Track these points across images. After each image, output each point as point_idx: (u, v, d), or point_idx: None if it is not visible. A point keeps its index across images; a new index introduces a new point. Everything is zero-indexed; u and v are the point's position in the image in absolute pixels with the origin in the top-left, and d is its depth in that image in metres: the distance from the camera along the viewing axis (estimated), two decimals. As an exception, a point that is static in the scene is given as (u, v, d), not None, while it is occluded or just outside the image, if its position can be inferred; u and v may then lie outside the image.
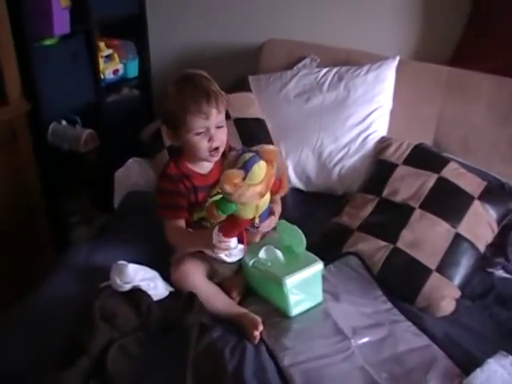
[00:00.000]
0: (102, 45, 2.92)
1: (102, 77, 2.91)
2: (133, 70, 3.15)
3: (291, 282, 1.65)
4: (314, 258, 1.74)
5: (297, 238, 1.75)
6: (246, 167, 1.51)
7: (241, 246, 1.67)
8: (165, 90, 1.81)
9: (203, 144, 1.79)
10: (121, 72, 3.05)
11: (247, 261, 1.77)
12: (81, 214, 3.10)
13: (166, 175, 1.85)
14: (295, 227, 1.76)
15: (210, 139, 1.78)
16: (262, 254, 1.76)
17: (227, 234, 1.61)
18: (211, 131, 1.77)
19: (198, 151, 1.81)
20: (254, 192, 1.52)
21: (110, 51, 2.96)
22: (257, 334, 1.61)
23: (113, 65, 2.99)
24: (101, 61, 2.89)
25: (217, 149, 1.81)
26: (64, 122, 2.82)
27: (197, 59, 3.18)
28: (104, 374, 1.47)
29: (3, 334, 1.67)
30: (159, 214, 1.83)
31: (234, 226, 1.61)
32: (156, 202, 1.85)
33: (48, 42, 2.60)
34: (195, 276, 1.77)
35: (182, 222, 1.83)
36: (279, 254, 1.75)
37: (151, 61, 3.26)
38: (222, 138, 1.82)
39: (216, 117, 1.77)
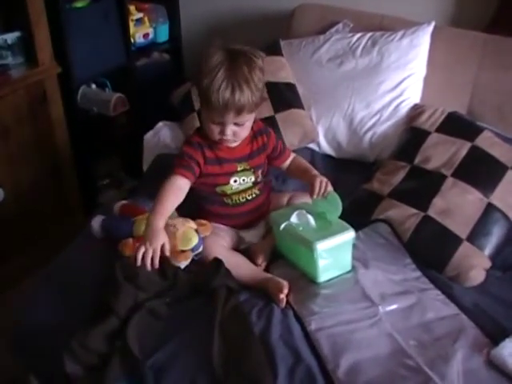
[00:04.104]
0: (132, 8, 2.92)
1: (132, 41, 2.91)
2: (163, 35, 3.14)
3: (322, 247, 1.65)
4: (347, 226, 1.73)
5: (333, 204, 1.75)
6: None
7: None
8: (204, 54, 1.69)
9: (215, 132, 1.74)
10: (151, 36, 3.05)
11: (278, 224, 1.76)
12: (110, 178, 3.12)
13: (188, 141, 1.82)
14: (335, 194, 1.76)
15: (222, 133, 1.73)
16: (293, 218, 1.76)
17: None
18: (225, 127, 1.71)
19: (209, 133, 1.77)
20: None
21: (140, 15, 2.95)
22: (282, 296, 1.61)
23: (143, 29, 2.99)
24: (131, 24, 2.89)
25: (228, 140, 1.78)
26: (94, 86, 2.84)
27: (228, 24, 3.17)
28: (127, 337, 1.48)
29: (33, 293, 1.70)
30: (172, 171, 1.76)
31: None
32: (174, 163, 1.79)
33: (79, 5, 2.62)
34: (217, 248, 1.76)
35: (183, 181, 1.74)
36: (311, 219, 1.75)
37: (182, 25, 3.24)
38: (239, 133, 1.76)
39: (233, 118, 1.69)
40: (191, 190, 1.79)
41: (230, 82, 1.62)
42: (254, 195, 1.88)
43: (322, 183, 1.77)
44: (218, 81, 1.62)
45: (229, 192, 1.83)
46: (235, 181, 1.83)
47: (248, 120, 1.74)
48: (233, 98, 1.63)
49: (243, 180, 1.84)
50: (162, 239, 1.60)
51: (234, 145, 1.82)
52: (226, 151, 1.82)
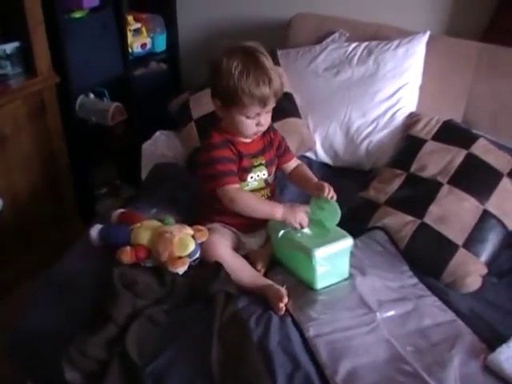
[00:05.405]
0: (130, 18, 2.93)
1: (130, 50, 2.93)
2: (161, 44, 3.16)
3: (320, 254, 1.66)
4: (345, 233, 1.74)
5: (332, 212, 1.76)
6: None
7: None
8: (219, 62, 1.73)
9: (251, 127, 1.80)
10: (149, 46, 3.07)
11: (277, 231, 1.78)
12: (107, 186, 3.13)
13: (212, 145, 1.83)
14: (334, 202, 1.77)
15: (259, 124, 1.79)
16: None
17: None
18: (261, 116, 1.78)
19: (244, 131, 1.81)
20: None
21: (138, 25, 2.97)
22: (282, 305, 1.62)
23: (141, 39, 3.00)
24: (129, 34, 2.90)
25: (263, 129, 1.84)
26: (92, 95, 2.85)
27: (225, 34, 3.18)
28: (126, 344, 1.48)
29: (32, 300, 1.71)
30: (214, 185, 1.78)
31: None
32: (207, 173, 1.81)
33: (77, 15, 2.63)
34: (221, 247, 1.78)
35: (235, 186, 1.79)
36: (310, 226, 1.76)
37: (179, 35, 3.26)
38: (268, 121, 1.83)
39: (271, 104, 1.77)
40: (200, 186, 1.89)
41: (263, 77, 1.71)
42: (265, 196, 1.91)
43: (331, 187, 1.80)
44: (253, 80, 1.70)
45: (244, 189, 1.85)
46: (251, 177, 1.87)
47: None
48: (270, 89, 1.72)
49: (257, 176, 1.88)
50: (297, 209, 1.77)
51: (249, 140, 1.87)
52: (244, 147, 1.85)
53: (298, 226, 1.74)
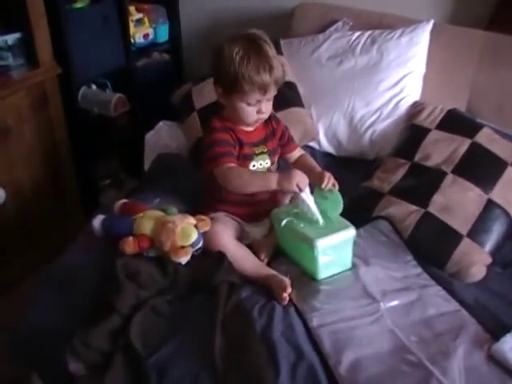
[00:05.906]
0: (132, 9, 2.93)
1: (132, 41, 2.92)
2: (163, 35, 3.15)
3: (322, 244, 1.65)
4: (347, 223, 1.73)
5: (334, 202, 1.75)
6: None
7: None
8: (221, 48, 1.74)
9: (252, 114, 1.80)
10: (151, 36, 3.06)
11: (280, 221, 1.77)
12: (111, 178, 3.13)
13: (214, 128, 1.84)
14: (336, 192, 1.77)
15: (259, 111, 1.80)
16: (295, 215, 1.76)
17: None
18: (262, 104, 1.78)
19: (245, 118, 1.81)
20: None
21: (140, 15, 2.96)
22: (285, 295, 1.61)
23: (143, 29, 2.99)
24: (131, 25, 2.90)
25: (264, 117, 1.84)
26: (94, 86, 2.84)
27: (227, 23, 3.17)
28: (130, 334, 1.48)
29: (33, 297, 1.71)
30: (212, 166, 1.78)
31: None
32: (207, 156, 1.81)
33: (79, 5, 2.62)
34: (224, 236, 1.78)
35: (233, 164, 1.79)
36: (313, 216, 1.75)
37: (181, 25, 3.25)
38: (269, 109, 1.84)
39: (272, 92, 1.78)
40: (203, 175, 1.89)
41: (263, 64, 1.72)
42: None
43: (331, 177, 1.79)
44: (253, 67, 1.71)
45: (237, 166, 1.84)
46: (254, 165, 1.86)
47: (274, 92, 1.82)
48: (271, 76, 1.73)
49: (260, 164, 1.88)
50: (293, 172, 1.72)
51: (251, 128, 1.87)
52: (244, 134, 1.86)
53: (296, 189, 1.71)
